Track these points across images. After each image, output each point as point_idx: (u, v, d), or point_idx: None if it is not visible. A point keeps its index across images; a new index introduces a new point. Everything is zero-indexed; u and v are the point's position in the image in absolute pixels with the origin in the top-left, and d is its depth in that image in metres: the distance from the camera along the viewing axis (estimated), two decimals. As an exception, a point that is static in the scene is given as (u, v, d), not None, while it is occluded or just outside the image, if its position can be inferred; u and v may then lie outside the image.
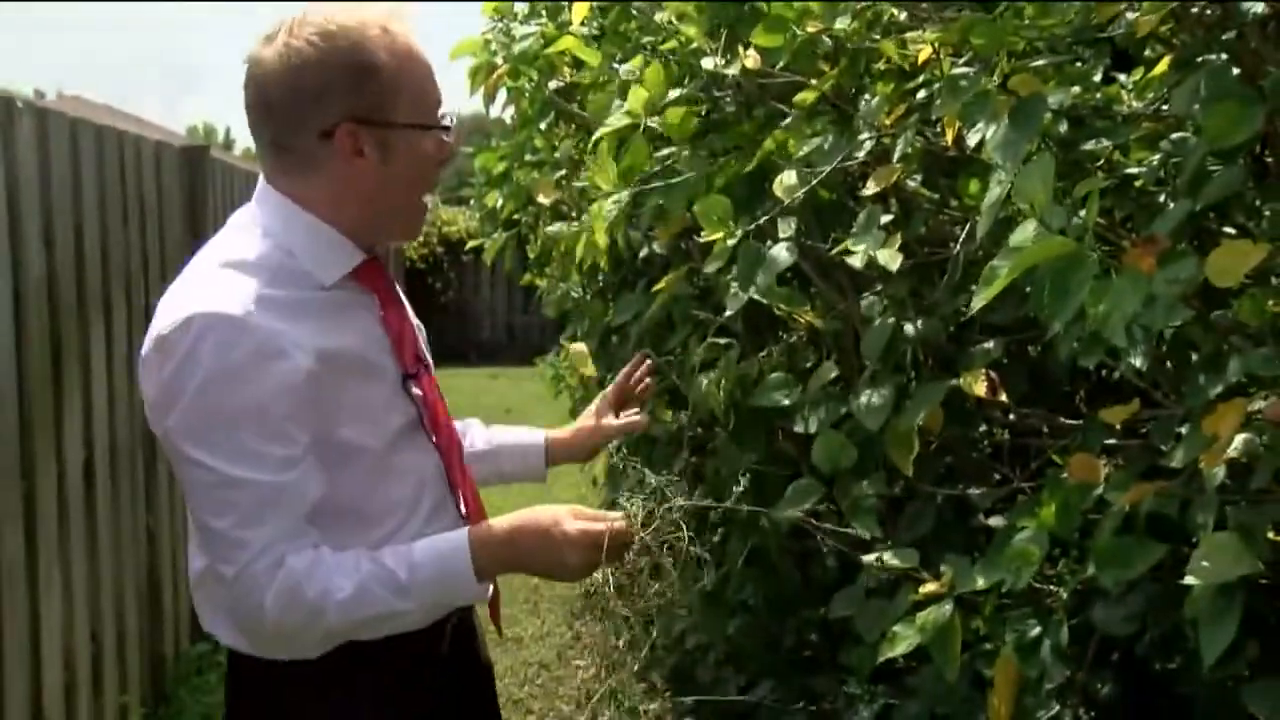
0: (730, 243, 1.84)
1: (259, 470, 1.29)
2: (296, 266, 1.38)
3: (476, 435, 1.80)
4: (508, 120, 3.49)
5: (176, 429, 1.31)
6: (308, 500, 1.34)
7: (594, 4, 2.58)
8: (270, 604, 1.31)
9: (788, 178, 1.84)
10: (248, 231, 1.41)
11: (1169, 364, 1.44)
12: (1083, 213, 1.21)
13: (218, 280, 1.33)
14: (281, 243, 1.39)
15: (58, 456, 2.87)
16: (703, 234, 1.87)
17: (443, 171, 1.49)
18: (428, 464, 1.48)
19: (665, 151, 2.11)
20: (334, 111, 1.36)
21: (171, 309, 1.31)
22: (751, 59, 1.90)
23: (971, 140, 1.42)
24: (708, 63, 1.96)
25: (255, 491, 1.30)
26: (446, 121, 1.45)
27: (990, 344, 1.70)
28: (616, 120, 2.02)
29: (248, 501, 1.30)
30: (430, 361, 1.56)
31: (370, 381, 1.42)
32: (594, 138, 2.07)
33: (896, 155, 1.72)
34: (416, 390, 1.46)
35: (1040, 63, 1.51)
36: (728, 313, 1.88)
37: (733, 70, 1.93)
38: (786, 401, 1.92)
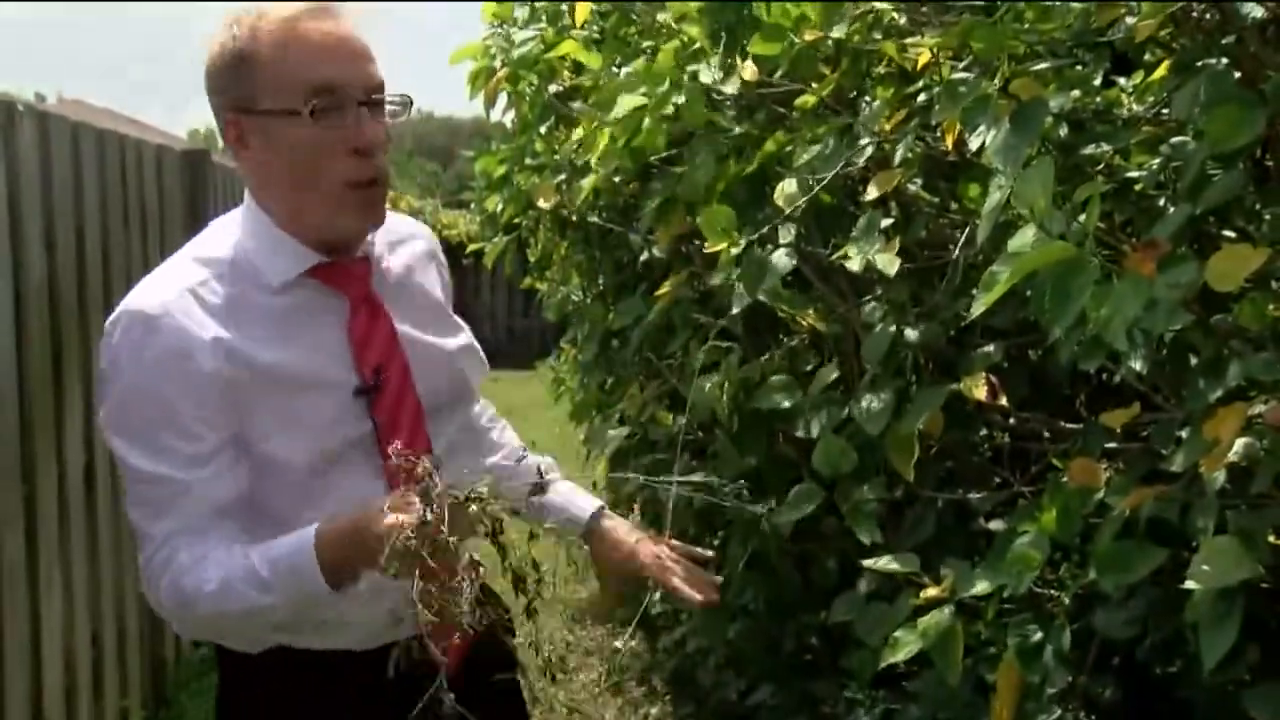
0: (735, 252, 1.84)
1: (167, 466, 1.33)
2: (251, 264, 1.39)
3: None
4: (508, 124, 3.49)
5: (104, 422, 1.38)
6: (213, 500, 1.35)
7: (594, 7, 2.59)
8: (162, 594, 1.35)
9: (788, 186, 1.84)
10: (224, 227, 1.44)
11: (1169, 368, 1.44)
12: (1083, 217, 1.21)
13: (165, 275, 1.38)
14: (242, 240, 1.41)
15: (58, 459, 2.87)
16: (707, 245, 1.87)
17: (350, 164, 1.36)
18: (372, 490, 1.37)
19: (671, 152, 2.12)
20: (225, 103, 1.37)
21: (122, 303, 1.37)
22: (750, 71, 1.90)
23: (972, 144, 1.41)
24: (706, 75, 1.96)
25: (163, 487, 1.33)
26: (318, 103, 1.33)
27: (990, 348, 1.70)
28: (630, 101, 2.01)
29: (156, 496, 1.34)
30: (410, 380, 1.44)
31: (310, 394, 1.38)
32: (602, 120, 2.06)
33: (897, 160, 1.72)
34: (369, 407, 1.39)
35: (1040, 67, 1.51)
36: (733, 311, 1.88)
37: (730, 88, 1.93)
38: (787, 404, 1.92)
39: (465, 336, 1.59)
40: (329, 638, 1.44)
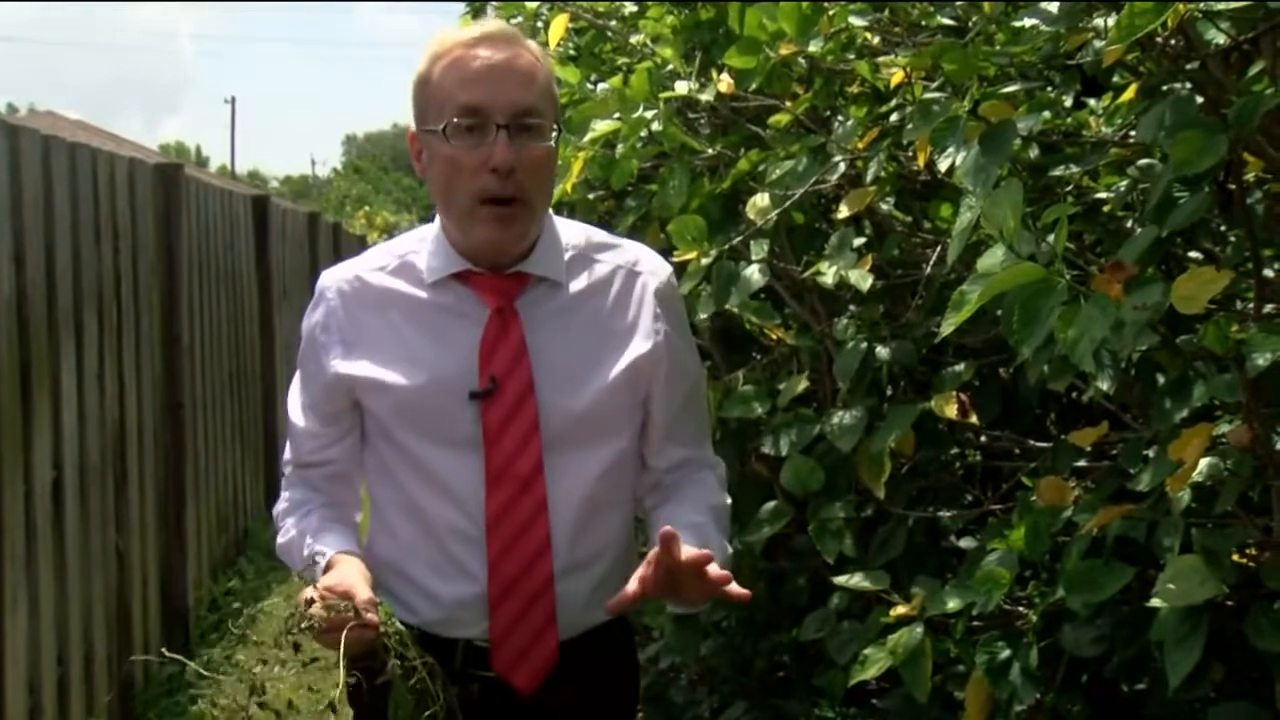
0: (704, 262, 1.85)
1: (292, 412, 1.62)
2: (416, 262, 1.55)
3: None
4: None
5: None
6: (307, 451, 1.59)
7: (569, 25, 2.59)
8: (275, 509, 1.64)
9: (761, 200, 1.85)
10: (423, 228, 1.61)
11: (1137, 387, 1.46)
12: (1052, 238, 1.22)
13: (359, 256, 1.62)
14: (421, 240, 1.57)
15: (26, 476, 2.84)
16: (676, 253, 1.87)
17: (489, 180, 1.44)
18: (475, 486, 1.47)
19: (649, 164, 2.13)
20: (414, 120, 1.54)
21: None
22: (725, 83, 1.91)
23: (942, 165, 1.43)
24: (682, 86, 1.97)
25: (290, 425, 1.63)
26: (458, 124, 1.43)
27: (961, 367, 1.71)
28: (605, 127, 2.01)
29: (289, 429, 1.63)
30: (532, 393, 1.48)
31: (431, 387, 1.50)
32: (576, 145, 2.06)
33: (869, 178, 1.73)
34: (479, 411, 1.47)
35: (1011, 89, 1.52)
36: (700, 317, 1.88)
37: (707, 96, 1.94)
38: (760, 410, 1.92)
39: (629, 366, 1.52)
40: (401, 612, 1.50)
